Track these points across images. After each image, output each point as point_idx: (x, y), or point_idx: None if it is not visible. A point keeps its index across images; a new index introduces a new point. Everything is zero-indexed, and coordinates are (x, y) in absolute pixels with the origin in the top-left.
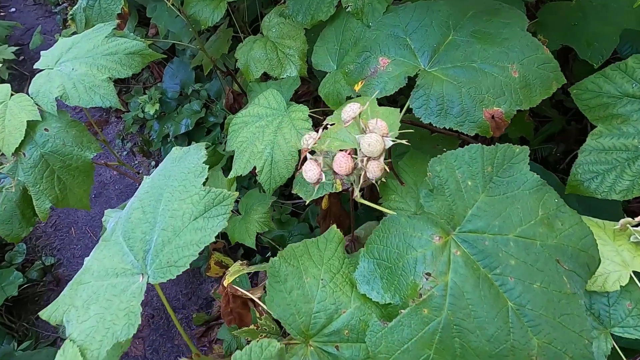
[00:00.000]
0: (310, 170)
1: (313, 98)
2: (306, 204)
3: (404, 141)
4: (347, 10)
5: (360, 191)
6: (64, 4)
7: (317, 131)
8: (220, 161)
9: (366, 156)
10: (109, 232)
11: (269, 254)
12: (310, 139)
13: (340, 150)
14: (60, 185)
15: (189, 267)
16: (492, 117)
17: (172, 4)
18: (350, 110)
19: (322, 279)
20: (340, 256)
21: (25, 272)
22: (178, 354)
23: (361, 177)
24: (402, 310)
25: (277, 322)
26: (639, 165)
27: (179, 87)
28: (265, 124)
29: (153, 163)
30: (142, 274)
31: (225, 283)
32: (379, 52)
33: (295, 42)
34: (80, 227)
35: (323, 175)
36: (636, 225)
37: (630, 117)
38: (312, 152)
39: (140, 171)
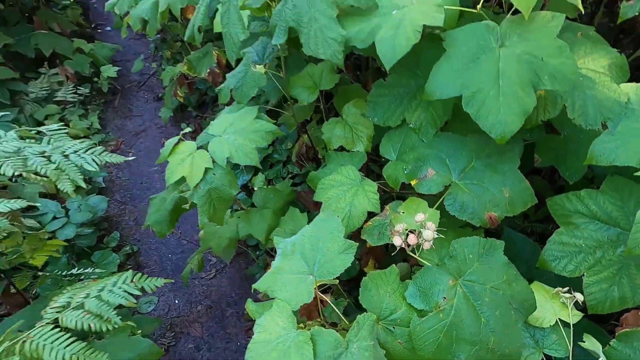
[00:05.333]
0: (397, 241)
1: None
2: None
3: (441, 236)
4: (409, 125)
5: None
6: (158, 35)
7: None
8: (291, 195)
9: (425, 239)
10: (289, 250)
11: None
12: (398, 238)
13: (411, 231)
14: (213, 208)
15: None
16: (490, 217)
17: (271, 74)
18: (420, 217)
19: (388, 292)
20: (397, 281)
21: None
22: (229, 340)
23: (421, 245)
24: (429, 313)
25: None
26: (581, 258)
27: None
28: (345, 189)
29: None
30: (312, 275)
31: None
32: (429, 165)
33: (366, 128)
34: None
35: (404, 244)
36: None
37: (580, 226)
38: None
39: None
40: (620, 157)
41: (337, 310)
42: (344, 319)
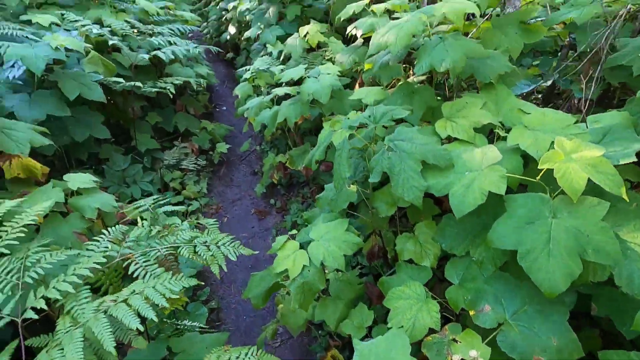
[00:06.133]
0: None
1: None
2: None
3: None
4: (472, 258)
5: None
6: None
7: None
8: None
9: None
10: (365, 354)
11: None
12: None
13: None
14: (303, 297)
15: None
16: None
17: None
18: (474, 353)
19: None
20: None
21: None
22: None
23: None
24: None
25: None
26: None
27: None
28: (412, 303)
29: None
30: None
31: None
32: (487, 301)
33: (434, 248)
34: (237, 286)
35: None
36: None
37: None
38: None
39: None
40: None
41: None
42: None
